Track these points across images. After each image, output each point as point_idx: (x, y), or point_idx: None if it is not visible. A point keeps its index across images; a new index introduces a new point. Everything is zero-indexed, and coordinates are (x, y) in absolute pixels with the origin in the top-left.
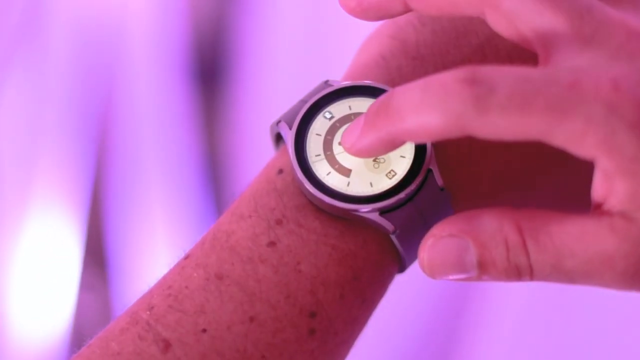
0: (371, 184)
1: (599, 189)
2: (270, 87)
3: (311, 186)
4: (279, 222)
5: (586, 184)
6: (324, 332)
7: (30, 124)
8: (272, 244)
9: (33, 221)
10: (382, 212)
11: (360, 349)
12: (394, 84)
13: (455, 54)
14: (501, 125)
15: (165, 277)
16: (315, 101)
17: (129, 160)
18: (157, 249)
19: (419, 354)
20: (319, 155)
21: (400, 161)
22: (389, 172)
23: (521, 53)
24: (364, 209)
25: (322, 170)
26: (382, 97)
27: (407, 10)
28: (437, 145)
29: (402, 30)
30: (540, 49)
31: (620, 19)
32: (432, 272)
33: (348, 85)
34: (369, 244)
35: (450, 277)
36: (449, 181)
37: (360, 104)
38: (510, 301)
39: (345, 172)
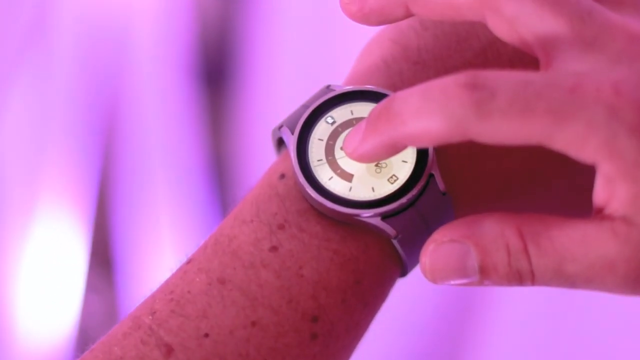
0: (373, 188)
1: (600, 193)
2: (276, 89)
3: (313, 191)
4: (281, 227)
5: (587, 189)
6: (326, 337)
7: (36, 126)
8: (274, 248)
9: (39, 223)
10: (384, 216)
11: (361, 353)
12: (396, 88)
13: (457, 58)
14: (502, 129)
15: (167, 282)
16: (317, 106)
17: (135, 162)
18: (162, 251)
19: (422, 358)
20: (321, 160)
21: (402, 166)
22: (391, 177)
23: (523, 57)
24: (365, 213)
25: (324, 175)
26: (384, 102)
27: (409, 15)
28: (438, 149)
29: (403, 35)
30: (541, 53)
31: (621, 23)
32: (434, 277)
33: (350, 90)
34: (371, 249)
35: (452, 282)
36: (450, 186)
37: (362, 109)
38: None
39: (348, 177)
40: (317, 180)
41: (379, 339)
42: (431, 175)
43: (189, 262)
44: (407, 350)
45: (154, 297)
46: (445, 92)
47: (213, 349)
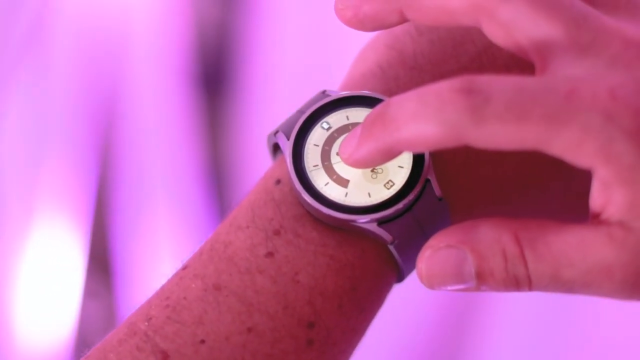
0: (369, 194)
1: (597, 198)
2: (273, 94)
3: (309, 197)
4: (276, 233)
5: (584, 193)
6: (322, 343)
7: (34, 132)
8: (270, 254)
9: (37, 228)
10: (380, 222)
11: (358, 359)
12: (391, 93)
13: (453, 64)
14: (498, 134)
15: (163, 288)
16: (313, 111)
17: (133, 167)
18: (161, 256)
19: None
20: (317, 165)
21: (398, 171)
22: (387, 183)
23: (518, 62)
24: (362, 219)
25: (320, 180)
26: (379, 107)
27: (404, 20)
28: (434, 155)
29: (399, 40)
30: (537, 58)
31: (616, 28)
32: (430, 282)
33: (345, 95)
34: (367, 255)
35: (449, 287)
36: (446, 191)
37: (358, 114)
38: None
39: (344, 182)
40: (313, 185)
41: (375, 344)
42: (427, 181)
43: (184, 268)
44: (404, 356)
45: (149, 303)
46: (440, 97)
47: (209, 355)
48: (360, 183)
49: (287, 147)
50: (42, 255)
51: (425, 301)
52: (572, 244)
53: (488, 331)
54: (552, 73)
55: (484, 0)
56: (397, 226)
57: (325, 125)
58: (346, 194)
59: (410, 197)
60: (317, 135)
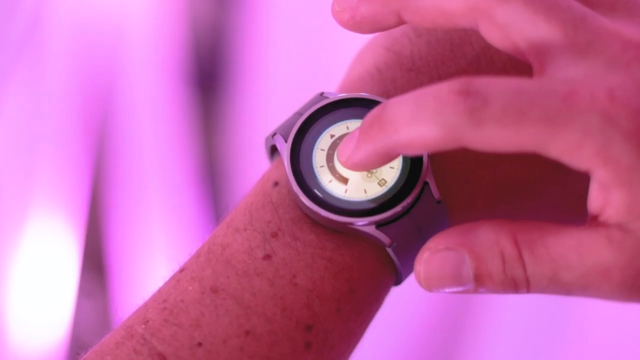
0: (365, 190)
1: (595, 200)
2: (268, 95)
3: (307, 199)
4: (274, 235)
5: (582, 195)
6: (320, 346)
7: (28, 131)
8: (267, 257)
9: (32, 227)
10: (379, 225)
11: None
12: (389, 95)
13: (451, 65)
14: (496, 137)
15: (160, 291)
16: (311, 114)
17: (127, 166)
18: (155, 256)
19: None
20: (323, 166)
21: (390, 171)
22: (380, 181)
23: (516, 64)
24: (360, 222)
25: (325, 178)
26: (376, 110)
27: (401, 22)
28: (432, 157)
29: (396, 42)
30: (535, 60)
31: (614, 29)
32: (429, 285)
33: (343, 97)
34: (365, 257)
35: (447, 290)
36: (444, 193)
37: (358, 124)
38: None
39: (344, 180)
40: (311, 188)
41: (373, 347)
42: (425, 184)
43: (181, 270)
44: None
45: (146, 306)
46: (438, 99)
47: (206, 358)
48: (357, 181)
49: (284, 149)
50: (36, 254)
51: (422, 303)
52: (570, 246)
53: (485, 334)
54: (550, 75)
55: (481, 2)
56: (396, 229)
57: (332, 133)
58: (346, 190)
59: (409, 199)
60: (324, 142)
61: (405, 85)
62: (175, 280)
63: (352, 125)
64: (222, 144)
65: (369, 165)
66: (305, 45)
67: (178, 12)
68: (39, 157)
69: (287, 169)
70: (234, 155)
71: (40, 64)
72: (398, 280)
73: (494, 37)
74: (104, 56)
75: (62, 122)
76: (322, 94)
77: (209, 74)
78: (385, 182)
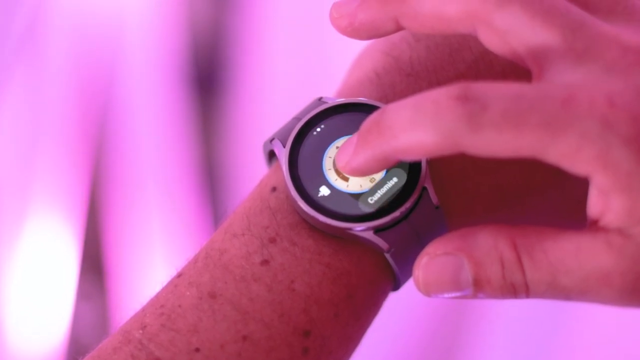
0: (361, 185)
1: (594, 205)
2: (267, 96)
3: (305, 204)
4: (272, 241)
5: (581, 200)
6: (318, 351)
7: (27, 133)
8: (265, 262)
9: (30, 230)
10: (377, 230)
11: None
12: (388, 100)
13: (450, 70)
14: (494, 142)
15: (157, 296)
16: (309, 119)
17: (126, 168)
18: (154, 258)
19: None
20: (330, 169)
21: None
22: (371, 179)
23: (515, 68)
24: (358, 227)
25: (333, 177)
26: (374, 115)
27: (399, 29)
28: (430, 162)
29: (395, 47)
30: (533, 65)
31: (613, 34)
32: (427, 290)
33: (342, 102)
34: (363, 263)
35: (446, 295)
36: (443, 199)
37: None
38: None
39: (345, 178)
40: (309, 193)
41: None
42: (424, 189)
43: (179, 275)
44: None
45: (144, 311)
46: (437, 104)
47: None
48: (355, 178)
49: (283, 154)
50: (35, 257)
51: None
52: (569, 251)
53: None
54: (548, 80)
55: (480, 7)
56: (394, 234)
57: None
58: (347, 186)
59: (407, 205)
60: (332, 150)
61: (404, 90)
62: (173, 285)
63: None
64: (221, 145)
65: (367, 171)
66: (304, 47)
67: (177, 13)
68: (38, 159)
69: (285, 174)
70: (233, 158)
71: (39, 64)
72: (396, 286)
73: (493, 42)
74: (103, 57)
75: (61, 125)
76: (320, 98)
77: (207, 76)
78: (374, 179)
